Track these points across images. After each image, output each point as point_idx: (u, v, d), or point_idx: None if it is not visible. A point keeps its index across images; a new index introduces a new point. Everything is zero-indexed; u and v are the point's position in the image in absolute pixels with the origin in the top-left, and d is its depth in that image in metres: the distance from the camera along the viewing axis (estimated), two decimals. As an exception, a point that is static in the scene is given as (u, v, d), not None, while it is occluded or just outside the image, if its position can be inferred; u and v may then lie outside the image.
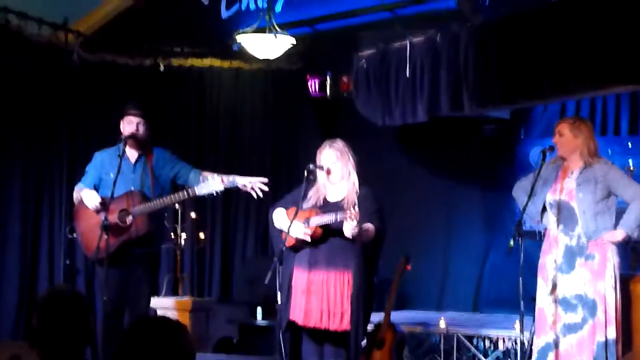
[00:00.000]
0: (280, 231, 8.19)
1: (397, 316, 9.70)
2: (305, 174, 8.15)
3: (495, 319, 10.83)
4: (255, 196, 8.97)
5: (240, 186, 8.93)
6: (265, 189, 8.94)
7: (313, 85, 12.51)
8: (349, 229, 7.74)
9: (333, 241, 8.10)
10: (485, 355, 9.99)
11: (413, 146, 12.53)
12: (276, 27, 11.28)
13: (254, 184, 8.95)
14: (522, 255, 8.00)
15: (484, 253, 12.37)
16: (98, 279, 9.29)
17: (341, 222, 7.84)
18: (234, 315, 11.26)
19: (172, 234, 10.66)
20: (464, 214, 12.56)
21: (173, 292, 10.79)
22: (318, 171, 8.21)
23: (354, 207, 7.76)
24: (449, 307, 12.09)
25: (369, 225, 7.96)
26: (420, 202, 12.51)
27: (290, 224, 7.97)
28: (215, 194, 8.84)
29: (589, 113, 11.68)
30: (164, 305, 10.11)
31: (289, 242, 8.14)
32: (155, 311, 9.94)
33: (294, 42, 11.32)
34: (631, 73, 8.31)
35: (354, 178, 8.22)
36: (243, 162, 12.40)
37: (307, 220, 8.07)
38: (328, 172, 8.19)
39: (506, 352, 9.94)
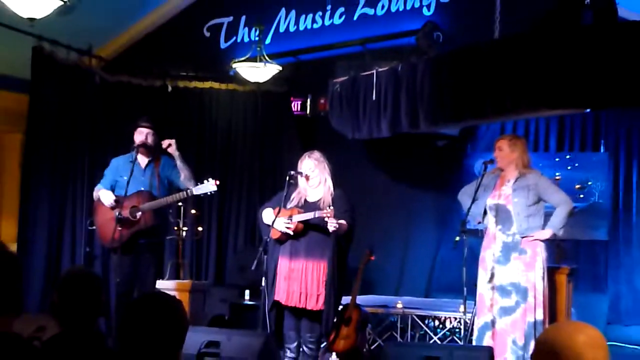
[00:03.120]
0: (268, 226, 8.23)
1: (361, 299, 9.68)
2: (288, 178, 8.21)
3: (444, 303, 10.79)
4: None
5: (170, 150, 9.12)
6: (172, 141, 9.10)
7: (296, 105, 12.48)
8: (331, 224, 7.81)
9: (311, 235, 8.21)
10: (435, 333, 9.97)
11: (377, 157, 12.51)
12: (266, 56, 11.32)
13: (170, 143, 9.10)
14: (465, 249, 8.11)
15: (436, 247, 12.36)
16: (112, 264, 9.28)
17: (319, 219, 7.98)
18: (226, 296, 11.22)
19: (175, 227, 10.64)
20: (419, 214, 12.55)
21: (175, 275, 10.74)
22: (299, 177, 8.29)
23: (329, 207, 7.86)
24: (406, 292, 12.05)
25: (343, 221, 8.01)
26: (382, 203, 12.49)
27: (275, 219, 8.04)
28: (210, 194, 8.95)
29: (524, 132, 11.71)
30: (167, 287, 10.05)
31: (275, 235, 8.22)
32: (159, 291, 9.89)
33: (280, 69, 11.34)
34: (556, 99, 8.31)
35: (329, 182, 8.32)
36: (235, 169, 12.38)
37: (290, 217, 8.12)
38: (307, 177, 8.27)
39: (452, 330, 9.93)
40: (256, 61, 11.30)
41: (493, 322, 8.22)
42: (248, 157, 12.42)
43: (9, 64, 11.34)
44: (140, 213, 8.84)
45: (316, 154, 8.38)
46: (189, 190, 8.90)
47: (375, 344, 9.96)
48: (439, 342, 9.75)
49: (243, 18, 12.71)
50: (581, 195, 10.96)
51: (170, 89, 12.11)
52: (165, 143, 9.07)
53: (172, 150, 9.05)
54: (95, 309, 4.18)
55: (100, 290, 4.23)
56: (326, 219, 7.91)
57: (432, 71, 9.58)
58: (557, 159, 11.56)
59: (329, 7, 12.11)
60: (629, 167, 11.55)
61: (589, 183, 11.23)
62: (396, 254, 12.46)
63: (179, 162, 9.06)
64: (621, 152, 11.56)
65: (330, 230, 7.94)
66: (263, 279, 8.19)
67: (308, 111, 12.48)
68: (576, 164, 11.42)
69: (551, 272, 8.52)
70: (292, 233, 8.18)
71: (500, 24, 9.78)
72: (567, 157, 11.61)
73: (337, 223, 7.93)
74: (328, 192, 8.27)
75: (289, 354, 8.37)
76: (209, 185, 8.85)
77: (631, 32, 7.91)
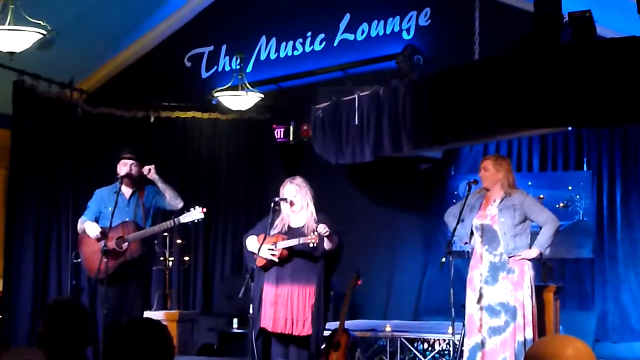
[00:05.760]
0: (253, 254, 8.18)
1: (349, 324, 9.65)
2: (272, 205, 8.18)
3: (432, 325, 10.76)
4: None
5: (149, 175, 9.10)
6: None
7: (278, 132, 12.46)
8: (322, 228, 7.89)
9: (296, 261, 8.17)
10: (424, 356, 9.94)
11: (361, 182, 12.49)
12: (247, 84, 11.34)
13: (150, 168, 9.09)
14: (452, 270, 8.06)
15: (422, 270, 12.34)
16: (99, 295, 9.25)
17: (303, 245, 7.91)
18: (214, 324, 11.18)
19: (161, 257, 10.61)
20: (405, 237, 12.52)
21: (163, 306, 10.69)
22: (282, 203, 8.23)
23: (314, 232, 7.85)
24: (393, 315, 12.01)
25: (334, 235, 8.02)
26: (367, 228, 12.44)
27: (260, 247, 8.01)
28: (197, 222, 8.93)
29: (507, 152, 11.70)
30: (155, 317, 10.00)
31: (260, 263, 8.17)
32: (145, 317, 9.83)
33: (262, 97, 11.36)
34: (537, 118, 8.33)
35: (312, 208, 8.27)
36: (220, 197, 12.36)
37: (274, 244, 8.09)
38: (291, 203, 8.20)
39: (441, 352, 9.91)
40: (238, 90, 11.33)
41: (483, 343, 8.16)
42: (232, 185, 12.41)
43: (-10, 99, 11.32)
44: (126, 244, 8.82)
45: (298, 180, 8.35)
46: (176, 219, 8.88)
47: (365, 368, 9.93)
48: (428, 364, 9.74)
49: (224, 47, 12.73)
50: (565, 214, 10.98)
51: (152, 119, 12.11)
52: (145, 169, 9.06)
53: (152, 175, 9.04)
54: (82, 338, 4.15)
55: (85, 319, 4.20)
56: (311, 245, 7.91)
57: (414, 94, 9.58)
58: (540, 179, 11.58)
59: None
60: (612, 185, 11.57)
61: (573, 201, 11.26)
62: (383, 277, 12.42)
63: (160, 185, 9.04)
64: (604, 169, 11.57)
65: (322, 234, 7.90)
66: (250, 306, 8.15)
67: (291, 138, 12.44)
68: (560, 183, 11.44)
69: (538, 291, 8.48)
70: (277, 260, 8.15)
71: (479, 45, 9.83)
72: (551, 176, 11.65)
73: (327, 232, 7.90)
74: (311, 217, 8.22)
75: (278, 381, 8.32)
76: (196, 213, 8.83)
77: (610, 50, 7.94)
